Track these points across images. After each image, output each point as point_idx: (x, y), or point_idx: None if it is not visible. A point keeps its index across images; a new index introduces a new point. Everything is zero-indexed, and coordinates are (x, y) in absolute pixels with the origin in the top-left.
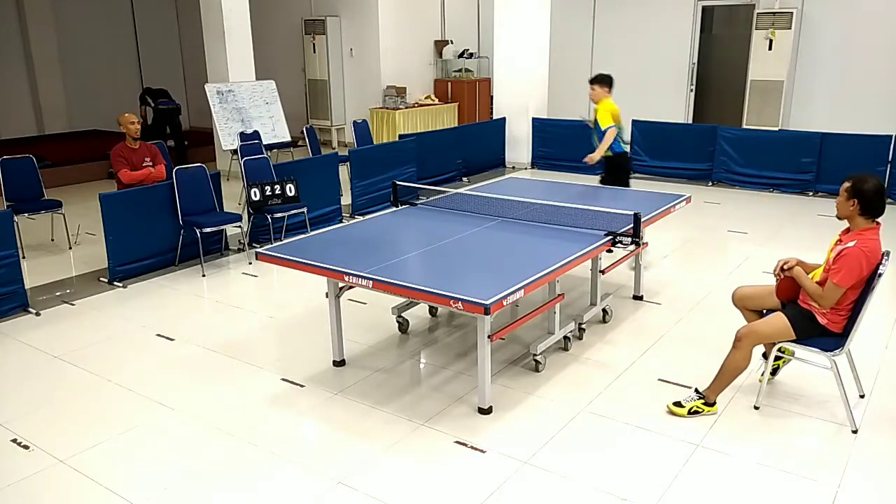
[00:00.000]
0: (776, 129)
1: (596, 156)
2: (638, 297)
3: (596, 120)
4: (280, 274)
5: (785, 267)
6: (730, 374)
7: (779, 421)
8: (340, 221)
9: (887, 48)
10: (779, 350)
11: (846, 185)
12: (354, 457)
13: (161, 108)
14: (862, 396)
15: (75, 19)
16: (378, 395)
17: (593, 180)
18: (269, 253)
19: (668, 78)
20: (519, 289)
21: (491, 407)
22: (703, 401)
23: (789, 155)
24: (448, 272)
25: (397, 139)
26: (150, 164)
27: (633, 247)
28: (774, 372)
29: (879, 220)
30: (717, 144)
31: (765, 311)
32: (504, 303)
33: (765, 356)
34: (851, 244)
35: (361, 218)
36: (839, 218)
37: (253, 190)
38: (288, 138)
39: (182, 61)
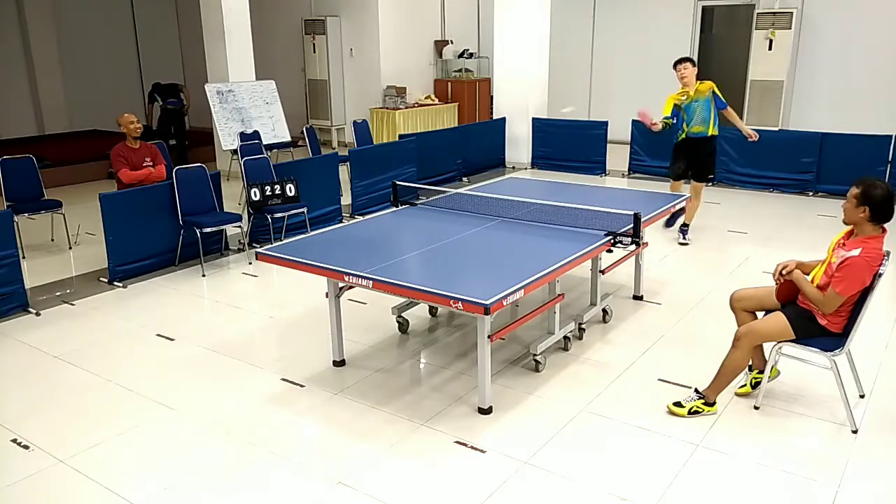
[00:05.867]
0: (776, 129)
1: (751, 129)
2: (638, 297)
3: (715, 94)
4: (280, 274)
5: (784, 271)
6: (729, 373)
7: (779, 421)
8: (340, 221)
9: (887, 48)
10: (758, 373)
11: (855, 191)
12: (354, 457)
13: (169, 108)
14: (862, 396)
15: (75, 19)
16: (378, 395)
17: (593, 180)
18: (269, 253)
19: (669, 78)
20: (519, 289)
21: (491, 407)
22: (703, 401)
23: (789, 155)
24: (448, 272)
25: (397, 139)
26: (151, 164)
27: (633, 247)
28: (755, 385)
29: (886, 225)
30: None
31: (764, 313)
32: (504, 303)
33: (750, 368)
34: (855, 252)
35: (361, 218)
36: (846, 223)
37: (253, 190)
38: (288, 138)
39: (182, 61)
